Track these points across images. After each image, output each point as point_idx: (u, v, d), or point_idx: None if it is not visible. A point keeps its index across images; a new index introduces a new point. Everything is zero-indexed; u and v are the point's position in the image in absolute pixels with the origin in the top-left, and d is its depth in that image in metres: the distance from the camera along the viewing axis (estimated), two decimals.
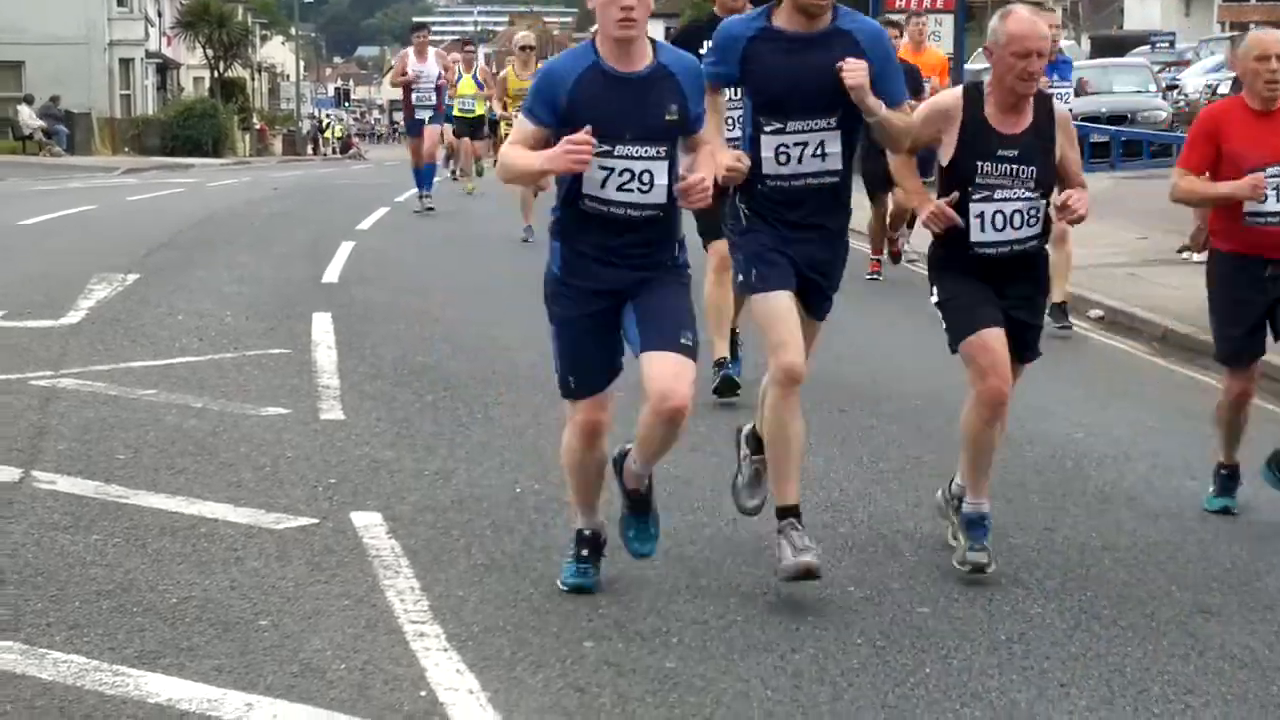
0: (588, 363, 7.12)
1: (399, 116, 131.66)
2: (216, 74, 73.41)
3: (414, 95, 24.77)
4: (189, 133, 63.18)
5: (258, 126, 78.11)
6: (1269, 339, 8.85)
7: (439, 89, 25.09)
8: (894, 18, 22.15)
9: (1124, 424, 11.06)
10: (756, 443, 7.96)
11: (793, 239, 7.49)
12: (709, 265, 11.08)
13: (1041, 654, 6.60)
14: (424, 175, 25.49)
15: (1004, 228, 7.60)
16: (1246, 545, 8.25)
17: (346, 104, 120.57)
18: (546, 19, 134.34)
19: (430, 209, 25.13)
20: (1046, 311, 13.46)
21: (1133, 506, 8.92)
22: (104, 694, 5.94)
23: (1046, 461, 9.87)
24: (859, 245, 20.91)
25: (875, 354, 13.31)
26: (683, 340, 6.99)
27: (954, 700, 6.09)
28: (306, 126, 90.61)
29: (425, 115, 24.86)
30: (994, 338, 7.62)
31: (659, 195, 6.89)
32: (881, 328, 14.98)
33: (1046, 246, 7.95)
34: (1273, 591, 7.52)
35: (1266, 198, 8.47)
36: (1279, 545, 8.27)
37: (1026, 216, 7.61)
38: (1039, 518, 8.63)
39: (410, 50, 25.53)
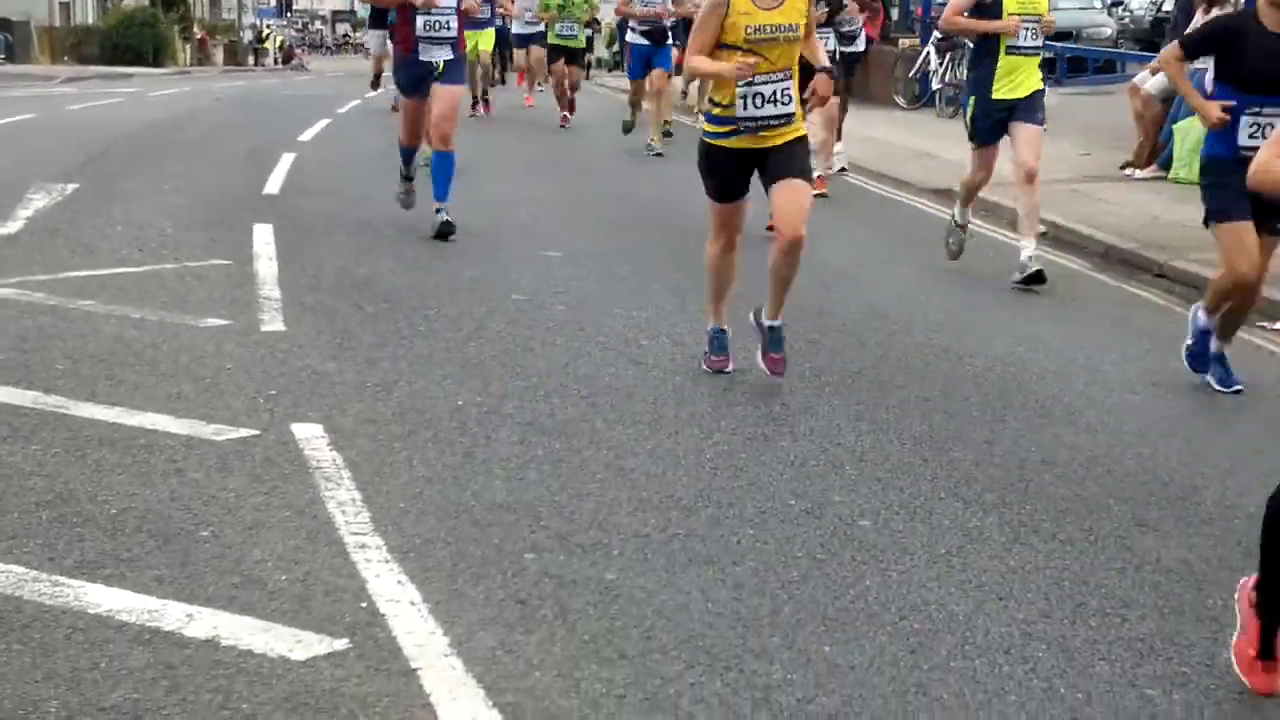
0: None
1: (342, 28, 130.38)
2: None
3: (421, 21, 13.85)
4: (129, 42, 62.70)
5: (198, 36, 77.43)
6: None
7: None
8: None
9: (1064, 339, 11.11)
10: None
11: None
12: None
13: (980, 567, 6.64)
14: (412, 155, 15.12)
15: None
16: (1184, 460, 8.30)
17: (288, 14, 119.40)
18: None
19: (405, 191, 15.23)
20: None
21: (1072, 421, 8.97)
22: (43, 604, 5.92)
23: (986, 375, 9.91)
24: None
25: (818, 267, 13.31)
26: None
27: (893, 613, 6.12)
28: (248, 36, 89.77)
29: (438, 57, 14.01)
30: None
31: None
32: (824, 241, 14.97)
33: None
34: (1209, 505, 7.58)
35: None
36: (1216, 460, 8.33)
37: None
38: (979, 431, 8.67)
39: None
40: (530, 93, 31.95)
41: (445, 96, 13.99)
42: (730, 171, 9.38)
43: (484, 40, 27.37)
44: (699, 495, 7.44)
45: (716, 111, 9.29)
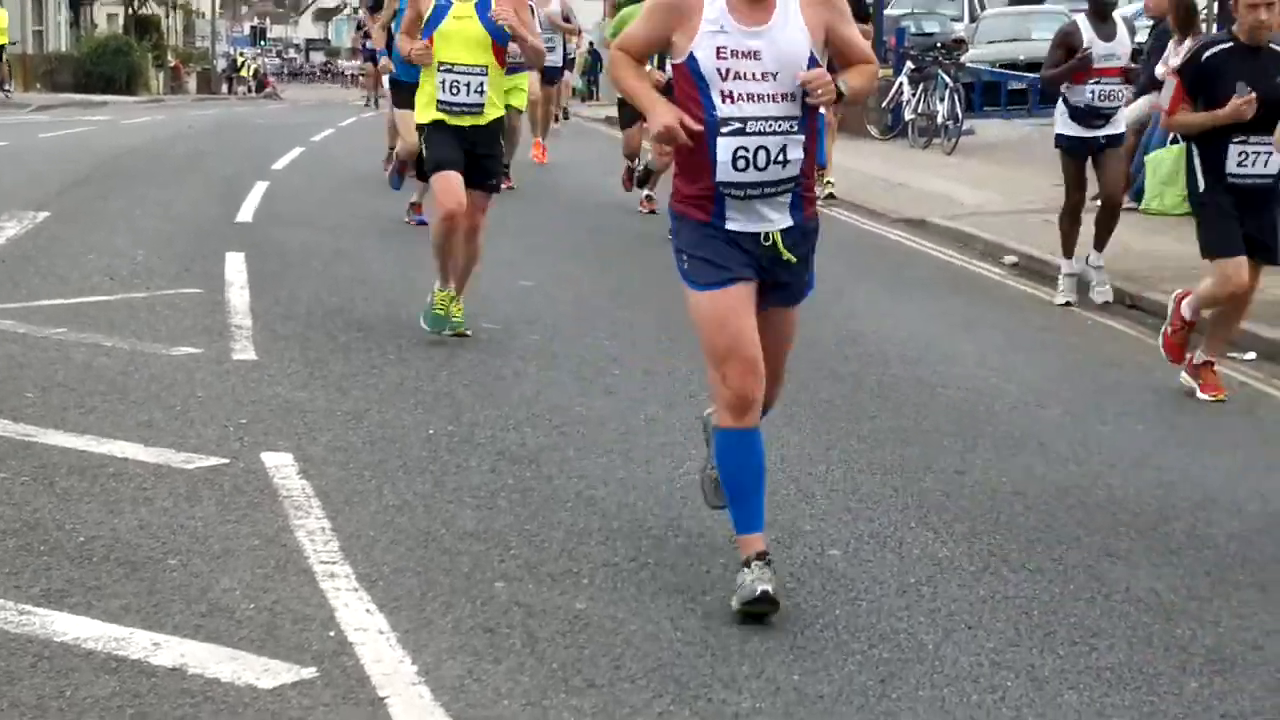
0: None
1: (316, 56, 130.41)
2: (130, 10, 72.58)
3: (728, 146, 6.27)
4: (102, 70, 62.59)
5: (172, 64, 77.32)
6: None
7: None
8: None
9: (1036, 369, 11.13)
10: None
11: None
12: None
13: (950, 596, 6.64)
14: None
15: None
16: (1154, 491, 8.31)
17: (263, 42, 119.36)
18: None
19: None
20: None
21: (1043, 451, 8.98)
22: (9, 632, 5.89)
23: (958, 405, 9.92)
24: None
25: None
26: None
27: (862, 642, 6.12)
28: (222, 65, 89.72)
29: (776, 225, 6.48)
30: None
31: None
32: None
33: None
34: (1179, 536, 7.59)
35: None
36: (1186, 491, 8.34)
37: None
38: (950, 461, 8.67)
39: None
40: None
41: (783, 322, 6.80)
42: None
43: (516, 96, 18.78)
44: (669, 525, 7.43)
45: None
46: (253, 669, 5.64)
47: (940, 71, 27.09)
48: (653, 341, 11.44)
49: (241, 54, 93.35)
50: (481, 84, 10.82)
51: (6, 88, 51.87)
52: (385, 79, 18.26)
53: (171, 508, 7.42)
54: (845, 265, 15.66)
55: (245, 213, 18.11)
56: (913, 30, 32.17)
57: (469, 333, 11.23)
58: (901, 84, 29.65)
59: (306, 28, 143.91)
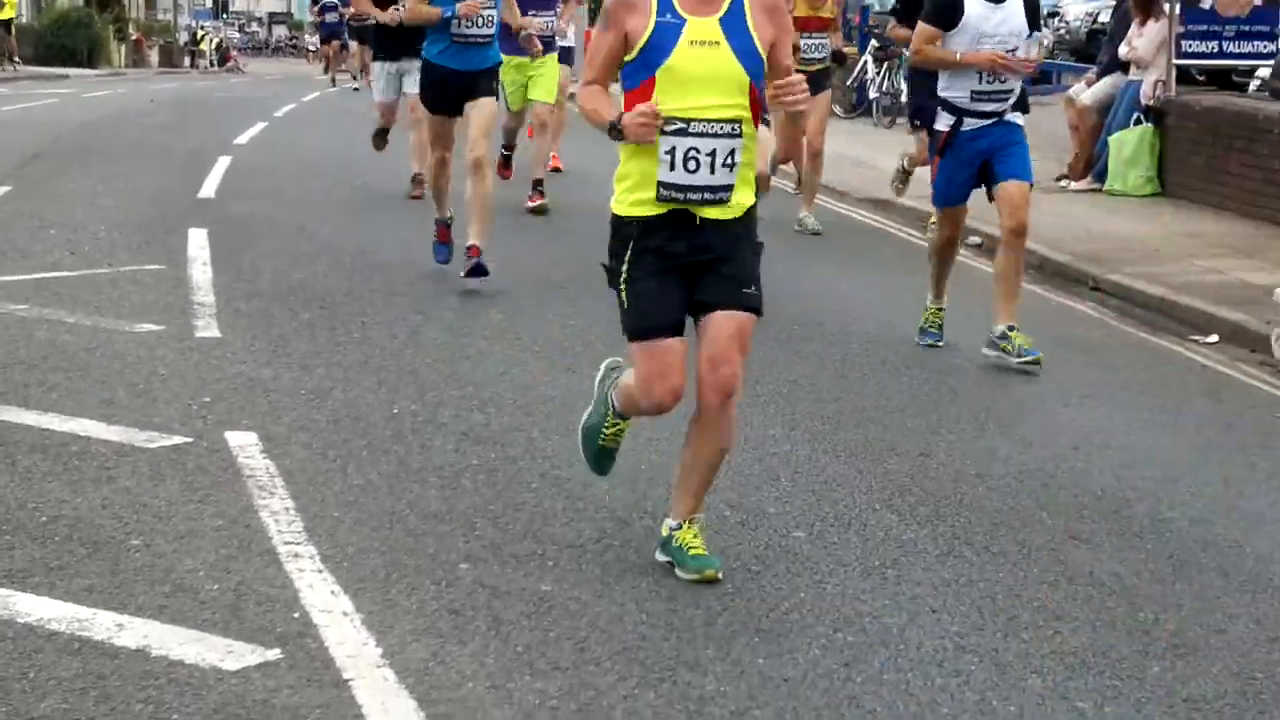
0: None
1: (278, 30, 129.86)
2: None
3: None
4: (63, 42, 62.24)
5: (134, 37, 76.94)
6: None
7: None
8: None
9: None
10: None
11: None
12: None
13: (914, 579, 6.65)
14: None
15: None
16: (1117, 473, 8.34)
17: (224, 15, 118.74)
18: None
19: None
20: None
21: (1006, 433, 9.01)
22: None
23: (921, 387, 9.94)
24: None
25: None
26: None
27: (827, 625, 6.13)
28: (184, 38, 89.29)
29: None
30: None
31: None
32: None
33: None
34: (1142, 519, 7.61)
35: None
36: (1149, 473, 8.37)
37: None
38: (914, 443, 8.68)
39: None
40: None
41: None
42: None
43: (541, 83, 16.46)
44: (634, 506, 7.43)
45: None
46: (217, 650, 5.62)
47: (905, 50, 27.08)
48: (614, 321, 11.40)
49: (202, 27, 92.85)
50: (733, 152, 6.33)
51: (15, 60, 51.78)
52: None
53: (134, 487, 7.39)
54: (809, 244, 15.66)
55: (208, 188, 18.04)
56: (877, 8, 32.15)
57: (719, 576, 6.54)
58: (866, 62, 29.64)
59: (269, 1, 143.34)
